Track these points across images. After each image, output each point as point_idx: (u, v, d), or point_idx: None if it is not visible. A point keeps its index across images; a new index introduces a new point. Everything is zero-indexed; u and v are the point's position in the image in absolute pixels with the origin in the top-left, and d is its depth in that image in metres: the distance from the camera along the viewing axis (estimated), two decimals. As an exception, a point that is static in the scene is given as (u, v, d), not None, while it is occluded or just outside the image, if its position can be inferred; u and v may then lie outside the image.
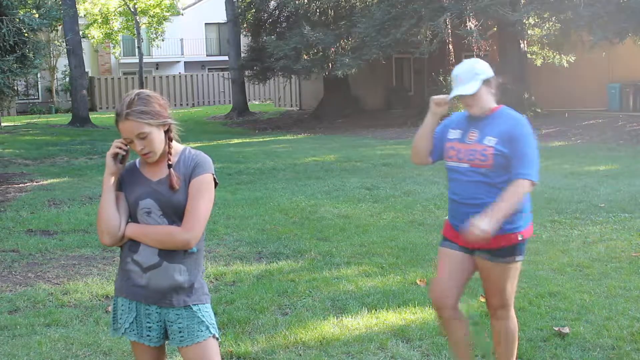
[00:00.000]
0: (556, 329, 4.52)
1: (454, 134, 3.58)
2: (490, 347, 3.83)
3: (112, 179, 2.78)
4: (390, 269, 6.06)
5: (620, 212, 8.14)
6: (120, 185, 2.82)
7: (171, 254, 2.73)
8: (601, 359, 4.12)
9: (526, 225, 3.50)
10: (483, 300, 5.11)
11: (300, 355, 4.21)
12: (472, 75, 3.46)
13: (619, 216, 7.96)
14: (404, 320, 4.76)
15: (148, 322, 2.81)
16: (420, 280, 5.67)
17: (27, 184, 11.59)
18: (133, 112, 2.68)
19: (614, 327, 4.56)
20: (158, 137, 2.73)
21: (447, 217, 3.68)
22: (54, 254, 6.77)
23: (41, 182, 11.72)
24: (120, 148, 2.76)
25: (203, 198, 2.73)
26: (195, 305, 2.79)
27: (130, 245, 2.78)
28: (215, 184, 2.81)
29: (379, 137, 18.55)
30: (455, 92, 3.48)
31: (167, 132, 2.78)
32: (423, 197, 9.46)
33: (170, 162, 2.75)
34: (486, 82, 3.50)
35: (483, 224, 3.22)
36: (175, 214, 2.73)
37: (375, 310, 4.97)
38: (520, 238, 3.45)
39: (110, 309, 5.11)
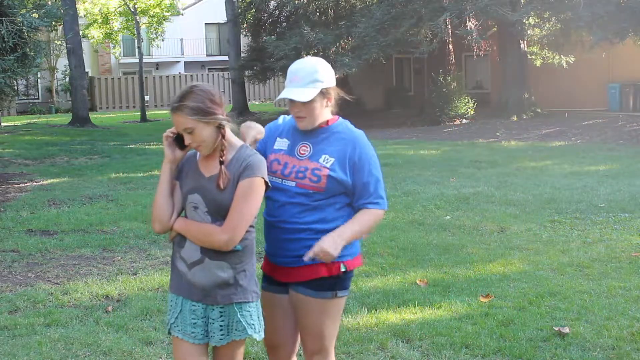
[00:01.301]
0: (556, 329, 4.51)
1: (280, 143, 3.00)
2: None
3: (169, 167, 2.81)
4: (390, 269, 6.06)
5: (620, 212, 8.14)
6: (179, 174, 2.84)
7: (213, 250, 2.72)
8: (601, 359, 4.12)
9: (353, 255, 2.99)
10: (483, 300, 5.12)
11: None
12: (311, 80, 2.89)
13: (619, 216, 7.96)
14: (404, 320, 4.76)
15: (193, 319, 2.78)
16: (420, 280, 5.68)
17: (27, 184, 11.59)
18: (181, 106, 2.69)
19: (614, 327, 4.56)
20: (205, 132, 2.70)
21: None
22: (54, 254, 6.77)
23: (41, 182, 11.72)
24: (168, 135, 2.81)
25: (248, 201, 2.68)
26: (238, 303, 2.75)
27: (179, 240, 2.80)
28: (267, 186, 2.76)
29: (378, 137, 18.54)
30: (286, 94, 2.89)
31: (219, 127, 2.74)
32: (423, 197, 9.47)
33: (222, 159, 2.71)
34: (325, 92, 2.93)
35: (332, 249, 2.80)
36: (219, 212, 2.70)
37: (375, 310, 4.97)
38: (343, 269, 2.94)
39: (110, 309, 5.12)
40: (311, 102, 2.88)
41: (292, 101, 2.89)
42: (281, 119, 3.12)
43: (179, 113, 2.70)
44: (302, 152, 2.94)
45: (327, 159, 2.89)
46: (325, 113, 2.96)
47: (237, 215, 2.67)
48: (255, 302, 2.80)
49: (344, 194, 2.93)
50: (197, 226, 2.73)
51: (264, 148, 3.04)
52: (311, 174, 2.87)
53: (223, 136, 2.74)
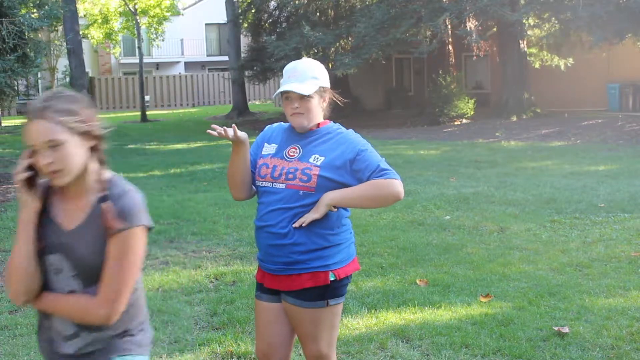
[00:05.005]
0: (556, 328, 4.52)
1: (268, 148, 2.94)
2: None
3: (33, 216, 2.12)
4: (390, 269, 6.06)
5: (620, 212, 8.15)
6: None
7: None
8: (601, 359, 4.12)
9: (345, 262, 2.90)
10: (483, 299, 5.13)
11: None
12: (310, 76, 2.84)
13: (618, 216, 7.97)
14: (404, 320, 4.77)
15: None
16: (420, 280, 5.68)
17: (28, 184, 11.58)
18: (47, 108, 2.00)
19: (613, 326, 4.57)
20: (76, 150, 2.04)
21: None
22: (54, 254, 6.77)
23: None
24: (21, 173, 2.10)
25: (127, 261, 2.05)
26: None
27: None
28: (149, 230, 2.14)
29: (379, 137, 18.55)
30: (288, 87, 2.81)
31: (95, 146, 2.11)
32: (423, 197, 9.47)
33: (103, 195, 2.09)
34: (322, 91, 2.88)
35: (312, 214, 2.74)
36: (92, 276, 2.07)
37: (375, 310, 4.98)
38: (332, 278, 2.84)
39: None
40: (310, 98, 2.82)
41: (287, 99, 2.84)
42: (267, 129, 3.06)
43: (42, 120, 1.97)
44: (291, 154, 2.86)
45: (317, 157, 2.81)
46: (320, 114, 2.92)
47: (114, 282, 2.03)
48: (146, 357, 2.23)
49: None
50: (66, 301, 2.08)
51: (255, 154, 2.97)
52: (301, 173, 2.79)
53: (101, 161, 2.15)
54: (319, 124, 2.92)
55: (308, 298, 2.84)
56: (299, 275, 2.83)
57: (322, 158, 2.80)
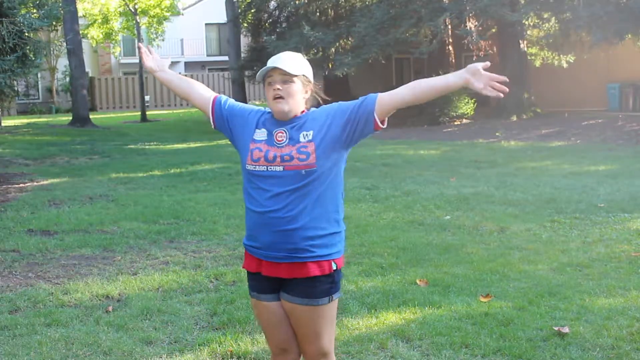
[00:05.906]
0: (556, 328, 4.52)
1: (260, 134, 2.90)
2: None
3: None
4: (390, 269, 6.06)
5: (620, 212, 8.15)
6: None
7: None
8: (601, 359, 4.12)
9: (341, 252, 2.91)
10: (483, 299, 5.13)
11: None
12: (296, 63, 2.86)
13: (618, 216, 7.97)
14: (404, 320, 4.77)
15: None
16: (420, 280, 5.68)
17: (28, 184, 11.59)
18: None
19: (613, 326, 4.56)
20: None
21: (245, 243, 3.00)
22: (54, 254, 6.77)
23: (41, 182, 11.72)
24: None
25: None
26: None
27: None
28: None
29: (378, 137, 18.55)
30: (276, 63, 2.81)
31: None
32: (423, 197, 9.47)
33: None
34: (305, 80, 2.88)
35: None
36: None
37: (375, 310, 4.97)
38: (334, 267, 2.85)
39: (110, 309, 5.11)
40: (292, 81, 2.82)
41: (270, 84, 2.83)
42: (255, 110, 3.03)
43: None
44: (279, 138, 2.82)
45: (306, 134, 2.80)
46: (301, 102, 2.88)
47: None
48: None
49: (336, 164, 2.84)
50: None
51: (234, 113, 2.99)
52: (297, 153, 2.77)
53: None
54: (302, 111, 2.90)
55: (314, 295, 2.83)
56: (303, 263, 2.80)
57: (311, 132, 2.80)
